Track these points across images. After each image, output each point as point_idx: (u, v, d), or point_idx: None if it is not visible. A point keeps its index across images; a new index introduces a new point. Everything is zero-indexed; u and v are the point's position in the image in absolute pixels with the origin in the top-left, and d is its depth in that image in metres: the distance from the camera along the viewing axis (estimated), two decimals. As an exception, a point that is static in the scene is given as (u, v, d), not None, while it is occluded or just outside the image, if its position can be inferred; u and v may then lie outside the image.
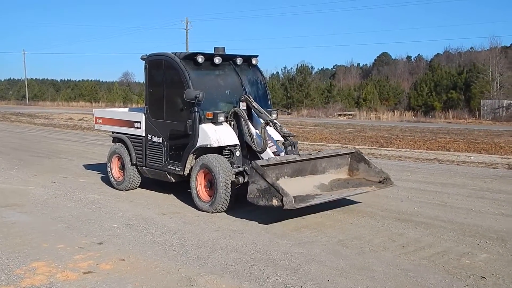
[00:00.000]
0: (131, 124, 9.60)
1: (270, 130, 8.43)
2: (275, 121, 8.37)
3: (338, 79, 73.41)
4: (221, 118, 8.34)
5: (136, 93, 73.19)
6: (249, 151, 8.52)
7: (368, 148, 17.89)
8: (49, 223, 7.57)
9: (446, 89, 47.09)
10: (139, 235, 6.95)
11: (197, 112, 8.25)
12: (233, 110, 8.56)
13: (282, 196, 6.81)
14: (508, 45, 58.36)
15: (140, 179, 9.81)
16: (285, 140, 8.23)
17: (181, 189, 9.54)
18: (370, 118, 42.11)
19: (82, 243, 6.58)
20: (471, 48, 70.22)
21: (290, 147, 8.07)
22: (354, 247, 6.41)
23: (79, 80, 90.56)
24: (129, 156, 9.62)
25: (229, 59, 9.04)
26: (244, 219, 7.73)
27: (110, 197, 9.36)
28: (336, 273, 5.51)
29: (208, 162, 8.05)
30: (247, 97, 8.61)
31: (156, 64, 9.08)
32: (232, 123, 8.60)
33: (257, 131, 8.41)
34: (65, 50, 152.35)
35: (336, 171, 8.57)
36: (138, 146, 9.47)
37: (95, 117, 10.76)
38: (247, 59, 9.24)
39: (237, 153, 8.43)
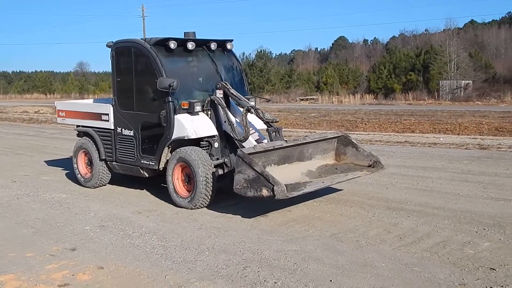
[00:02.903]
0: (98, 116, 8.92)
1: (250, 117, 7.93)
2: (256, 107, 7.90)
3: (296, 64, 73.28)
4: (198, 108, 7.79)
5: (92, 83, 71.05)
6: (227, 142, 8.01)
7: (338, 133, 17.59)
8: (14, 229, 6.89)
9: (405, 71, 47.52)
10: (116, 238, 6.38)
11: (171, 102, 7.67)
12: (209, 99, 8.01)
13: (273, 185, 6.27)
14: (461, 27, 59.53)
15: (110, 175, 9.17)
16: (268, 127, 7.76)
17: (154, 184, 8.97)
18: (333, 102, 42.11)
19: (53, 250, 5.97)
20: (425, 31, 71.42)
21: (274, 133, 7.61)
22: (349, 241, 6.03)
23: (32, 72, 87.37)
24: (97, 151, 8.95)
25: (202, 44, 8.44)
26: (227, 215, 7.26)
27: (78, 196, 8.70)
28: (337, 271, 5.11)
29: (186, 156, 7.50)
30: (224, 84, 8.09)
31: (124, 52, 8.44)
32: (209, 112, 8.06)
33: (237, 119, 7.91)
34: (15, 41, 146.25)
35: (323, 156, 8.14)
36: (106, 140, 8.81)
37: (58, 110, 10.01)
38: (221, 44, 8.67)
39: (216, 144, 7.89)
